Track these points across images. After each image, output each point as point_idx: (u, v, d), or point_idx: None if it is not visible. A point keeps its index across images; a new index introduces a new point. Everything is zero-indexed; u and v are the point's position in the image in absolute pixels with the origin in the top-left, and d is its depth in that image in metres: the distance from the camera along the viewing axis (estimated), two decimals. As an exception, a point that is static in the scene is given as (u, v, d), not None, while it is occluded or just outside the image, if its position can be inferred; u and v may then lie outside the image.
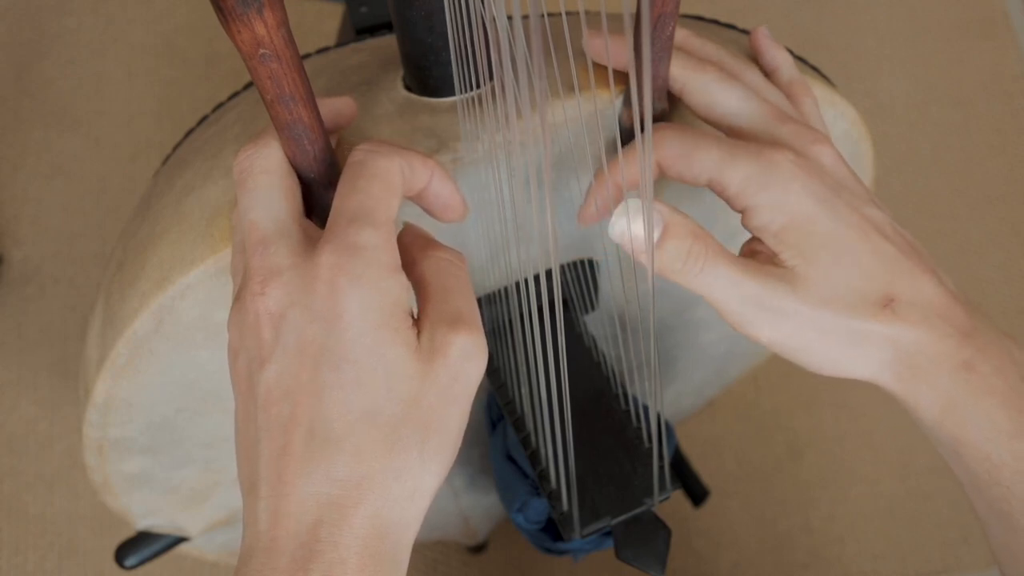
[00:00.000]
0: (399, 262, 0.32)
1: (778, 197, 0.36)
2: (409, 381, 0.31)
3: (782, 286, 0.36)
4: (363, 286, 0.30)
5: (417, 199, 0.36)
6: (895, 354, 0.36)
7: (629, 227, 0.34)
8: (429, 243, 0.35)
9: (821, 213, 0.36)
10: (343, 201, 0.32)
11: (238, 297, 0.32)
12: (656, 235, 0.34)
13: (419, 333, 0.31)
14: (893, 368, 0.36)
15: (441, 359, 0.31)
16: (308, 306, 0.31)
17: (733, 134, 0.39)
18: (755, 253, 0.38)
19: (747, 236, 0.39)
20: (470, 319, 0.32)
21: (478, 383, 0.32)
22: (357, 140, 0.36)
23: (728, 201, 0.38)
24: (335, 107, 0.37)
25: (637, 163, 0.39)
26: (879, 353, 0.36)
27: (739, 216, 0.38)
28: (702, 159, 0.38)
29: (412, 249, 0.34)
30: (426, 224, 0.36)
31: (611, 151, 0.43)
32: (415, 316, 0.32)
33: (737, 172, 0.37)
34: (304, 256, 0.31)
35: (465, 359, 0.31)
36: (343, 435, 0.30)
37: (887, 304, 0.36)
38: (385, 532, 0.30)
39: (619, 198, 0.41)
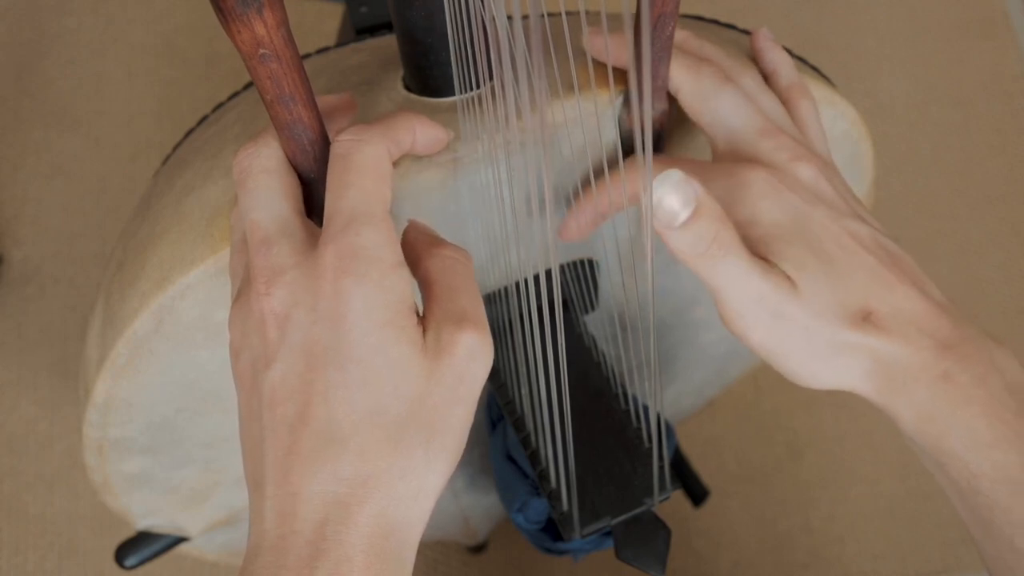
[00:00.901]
0: (402, 257, 0.32)
1: (749, 214, 0.37)
2: (415, 380, 0.30)
3: (786, 290, 0.36)
4: (367, 285, 0.30)
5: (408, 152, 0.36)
6: (873, 366, 0.36)
7: (653, 198, 0.32)
8: (434, 241, 0.34)
9: (795, 227, 0.36)
10: (337, 200, 0.32)
11: (241, 296, 0.32)
12: (686, 214, 0.33)
13: (424, 331, 0.31)
14: (872, 380, 0.37)
15: (447, 358, 0.31)
16: (313, 306, 0.31)
17: (720, 141, 0.40)
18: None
19: None
20: (476, 318, 0.32)
21: (483, 382, 0.32)
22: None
23: None
24: (335, 105, 0.37)
25: (620, 188, 0.40)
26: (857, 365, 0.36)
27: None
28: None
29: (417, 247, 0.34)
30: (428, 221, 0.36)
31: (611, 152, 0.43)
32: (420, 313, 0.32)
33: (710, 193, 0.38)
34: (307, 255, 0.31)
35: (471, 359, 0.31)
36: (349, 434, 0.30)
37: (865, 317, 0.36)
38: (390, 531, 0.30)
39: (599, 220, 0.42)
